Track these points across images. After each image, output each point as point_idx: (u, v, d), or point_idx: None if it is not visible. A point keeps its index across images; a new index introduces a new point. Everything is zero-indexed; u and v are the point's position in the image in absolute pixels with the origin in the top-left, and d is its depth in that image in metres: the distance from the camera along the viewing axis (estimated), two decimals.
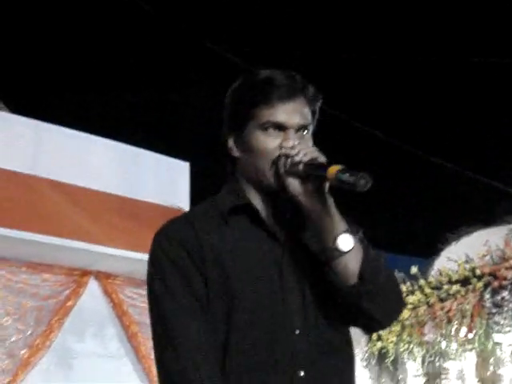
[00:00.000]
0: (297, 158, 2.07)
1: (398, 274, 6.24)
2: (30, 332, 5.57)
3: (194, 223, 2.15)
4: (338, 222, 2.09)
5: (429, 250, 7.85)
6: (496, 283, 6.19)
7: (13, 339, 5.53)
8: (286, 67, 2.25)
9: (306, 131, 2.18)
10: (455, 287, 6.51)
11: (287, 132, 2.14)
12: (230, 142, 2.20)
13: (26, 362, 5.51)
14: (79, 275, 5.85)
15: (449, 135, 12.47)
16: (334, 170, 2.03)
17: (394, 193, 12.73)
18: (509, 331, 6.47)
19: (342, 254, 2.06)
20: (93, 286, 5.94)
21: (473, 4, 10.66)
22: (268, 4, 10.99)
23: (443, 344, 6.84)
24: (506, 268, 6.16)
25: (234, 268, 2.09)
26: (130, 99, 10.92)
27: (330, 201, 2.09)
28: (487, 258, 6.41)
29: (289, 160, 2.09)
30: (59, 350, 5.70)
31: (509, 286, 6.17)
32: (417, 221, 12.62)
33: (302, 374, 2.06)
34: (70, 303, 5.70)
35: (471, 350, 6.84)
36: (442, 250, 7.61)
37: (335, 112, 10.12)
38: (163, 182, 6.84)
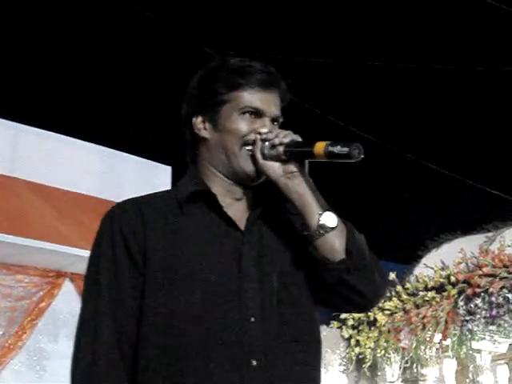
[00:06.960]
0: (277, 141, 2.07)
1: None
2: (1, 332, 5.57)
3: (143, 210, 2.10)
4: (320, 200, 2.09)
5: (407, 256, 7.86)
6: (470, 290, 6.20)
7: None
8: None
9: (276, 123, 2.18)
10: (430, 294, 6.52)
11: (263, 119, 2.15)
12: (199, 122, 2.17)
13: None
14: (54, 277, 5.84)
15: (434, 140, 12.48)
16: (321, 145, 2.02)
17: (373, 197, 12.71)
18: (482, 338, 6.49)
19: (328, 230, 2.06)
20: (67, 288, 5.92)
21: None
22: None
23: (421, 350, 6.85)
24: (480, 276, 6.16)
25: (185, 258, 2.04)
26: (113, 101, 10.89)
27: (311, 180, 2.10)
28: (462, 265, 6.43)
29: (267, 143, 2.09)
30: (32, 351, 5.69)
31: (482, 294, 6.18)
32: (396, 226, 12.60)
33: (255, 363, 1.99)
34: (43, 304, 5.69)
35: (446, 357, 6.86)
36: (421, 256, 7.63)
37: (331, 117, 10.13)
38: (143, 184, 6.84)
